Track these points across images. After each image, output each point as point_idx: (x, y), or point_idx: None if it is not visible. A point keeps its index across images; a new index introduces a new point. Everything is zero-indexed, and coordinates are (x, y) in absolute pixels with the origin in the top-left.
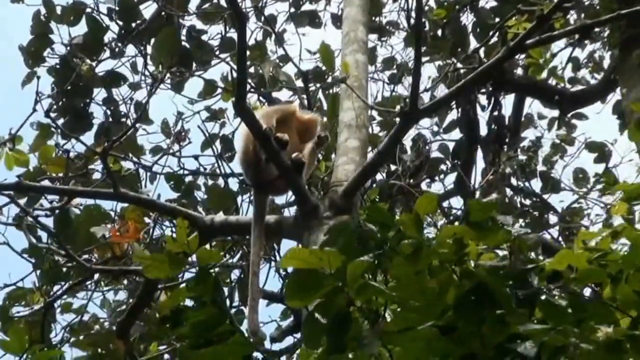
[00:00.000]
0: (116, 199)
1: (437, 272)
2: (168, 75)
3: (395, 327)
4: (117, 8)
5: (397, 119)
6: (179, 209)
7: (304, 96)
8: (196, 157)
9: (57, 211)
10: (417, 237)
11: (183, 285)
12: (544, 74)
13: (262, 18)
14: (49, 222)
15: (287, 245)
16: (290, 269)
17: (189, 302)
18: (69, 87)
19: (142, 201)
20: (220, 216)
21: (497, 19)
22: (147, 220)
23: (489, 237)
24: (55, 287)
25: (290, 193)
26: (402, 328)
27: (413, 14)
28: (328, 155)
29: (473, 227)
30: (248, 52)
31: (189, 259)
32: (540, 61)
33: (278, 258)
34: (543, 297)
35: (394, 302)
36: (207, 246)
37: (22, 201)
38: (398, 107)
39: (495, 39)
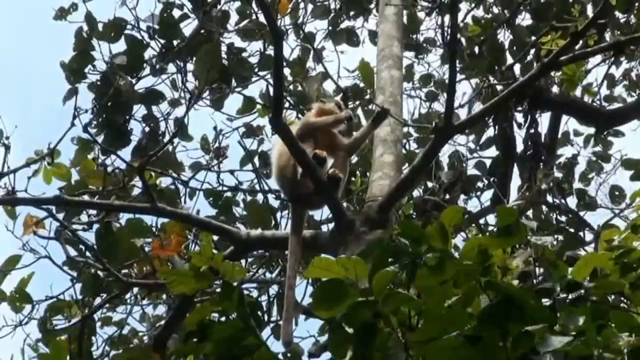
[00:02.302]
0: (153, 214)
1: (461, 282)
2: (208, 92)
3: (421, 337)
4: (157, 27)
5: (432, 135)
6: (215, 223)
7: None
8: (232, 172)
9: (96, 225)
10: (442, 248)
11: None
12: (578, 91)
13: (302, 35)
14: (88, 235)
15: None
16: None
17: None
18: (109, 104)
19: (178, 216)
20: (256, 231)
21: (533, 37)
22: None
23: (514, 241)
24: (95, 300)
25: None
26: (428, 338)
27: (448, 31)
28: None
29: (500, 232)
30: (288, 70)
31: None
32: (575, 77)
33: None
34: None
35: (420, 311)
36: (243, 262)
37: (61, 215)
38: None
39: (531, 56)
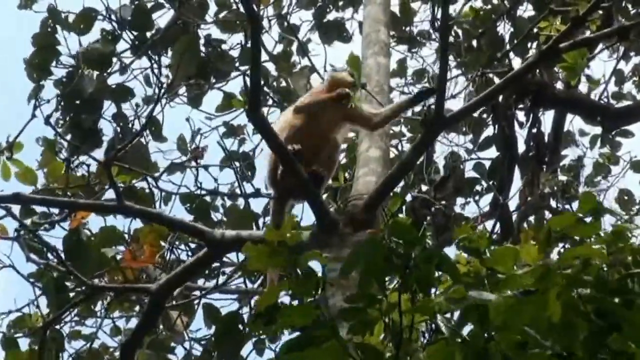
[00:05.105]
0: (120, 212)
1: (562, 294)
2: (185, 88)
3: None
4: (129, 18)
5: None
6: (187, 223)
7: None
8: (206, 168)
9: (58, 225)
10: (542, 257)
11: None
12: (583, 86)
13: (286, 25)
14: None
15: None
16: None
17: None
18: (77, 102)
19: (148, 214)
20: (231, 231)
21: (535, 30)
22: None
23: (594, 228)
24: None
25: None
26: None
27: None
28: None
29: (580, 220)
30: (273, 65)
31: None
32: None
33: None
34: None
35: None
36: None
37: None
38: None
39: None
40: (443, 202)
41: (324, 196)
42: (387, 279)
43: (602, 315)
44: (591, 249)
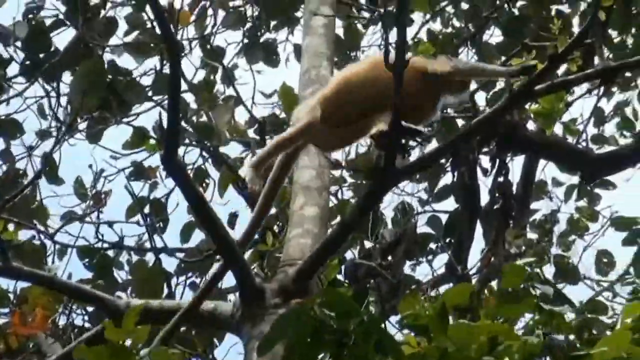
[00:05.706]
0: (6, 275)
1: None
2: (86, 121)
3: None
4: (20, 36)
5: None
6: (86, 288)
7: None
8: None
9: None
10: (443, 337)
11: None
12: (558, 129)
13: (209, 47)
14: None
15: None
16: None
17: None
18: None
19: (39, 278)
20: (138, 300)
21: (503, 58)
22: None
23: (521, 309)
24: None
25: None
26: None
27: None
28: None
29: (505, 298)
30: (193, 96)
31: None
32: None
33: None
34: None
35: None
36: None
37: None
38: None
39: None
40: (390, 269)
41: (248, 254)
42: (318, 357)
43: None
44: (499, 326)
